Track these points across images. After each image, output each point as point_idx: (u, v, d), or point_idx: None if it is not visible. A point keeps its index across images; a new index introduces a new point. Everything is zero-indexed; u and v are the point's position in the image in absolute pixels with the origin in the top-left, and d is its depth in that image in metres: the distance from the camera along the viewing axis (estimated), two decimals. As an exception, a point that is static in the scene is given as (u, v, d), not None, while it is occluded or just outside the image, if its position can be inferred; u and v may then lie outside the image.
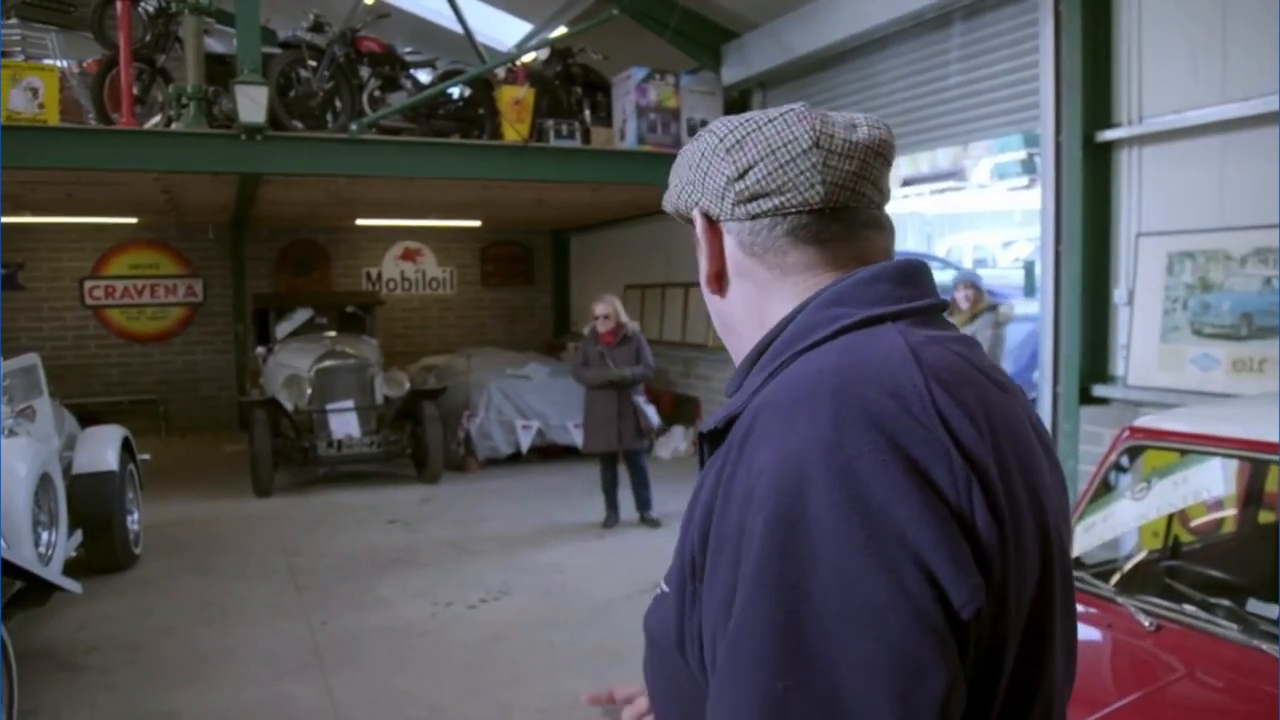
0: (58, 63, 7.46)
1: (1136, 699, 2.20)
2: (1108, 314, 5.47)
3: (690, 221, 1.05)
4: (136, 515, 6.41)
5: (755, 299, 1.01)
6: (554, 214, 12.01)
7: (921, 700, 0.74)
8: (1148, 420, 2.99)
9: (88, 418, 6.86)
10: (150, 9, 7.03)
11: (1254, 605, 2.43)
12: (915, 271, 0.98)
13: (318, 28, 7.30)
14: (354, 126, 7.09)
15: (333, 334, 9.94)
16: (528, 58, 8.57)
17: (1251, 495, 3.23)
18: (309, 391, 8.68)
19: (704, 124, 6.97)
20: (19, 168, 6.34)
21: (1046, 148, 5.67)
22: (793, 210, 0.96)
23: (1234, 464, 3.00)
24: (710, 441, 0.96)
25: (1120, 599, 2.58)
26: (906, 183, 12.22)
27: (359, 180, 8.06)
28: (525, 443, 9.50)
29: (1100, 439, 5.18)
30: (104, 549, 5.94)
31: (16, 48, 7.55)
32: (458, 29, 7.78)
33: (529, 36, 9.80)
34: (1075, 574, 1.23)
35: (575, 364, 7.26)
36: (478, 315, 13.91)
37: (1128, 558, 3.08)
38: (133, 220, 11.57)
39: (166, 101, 6.86)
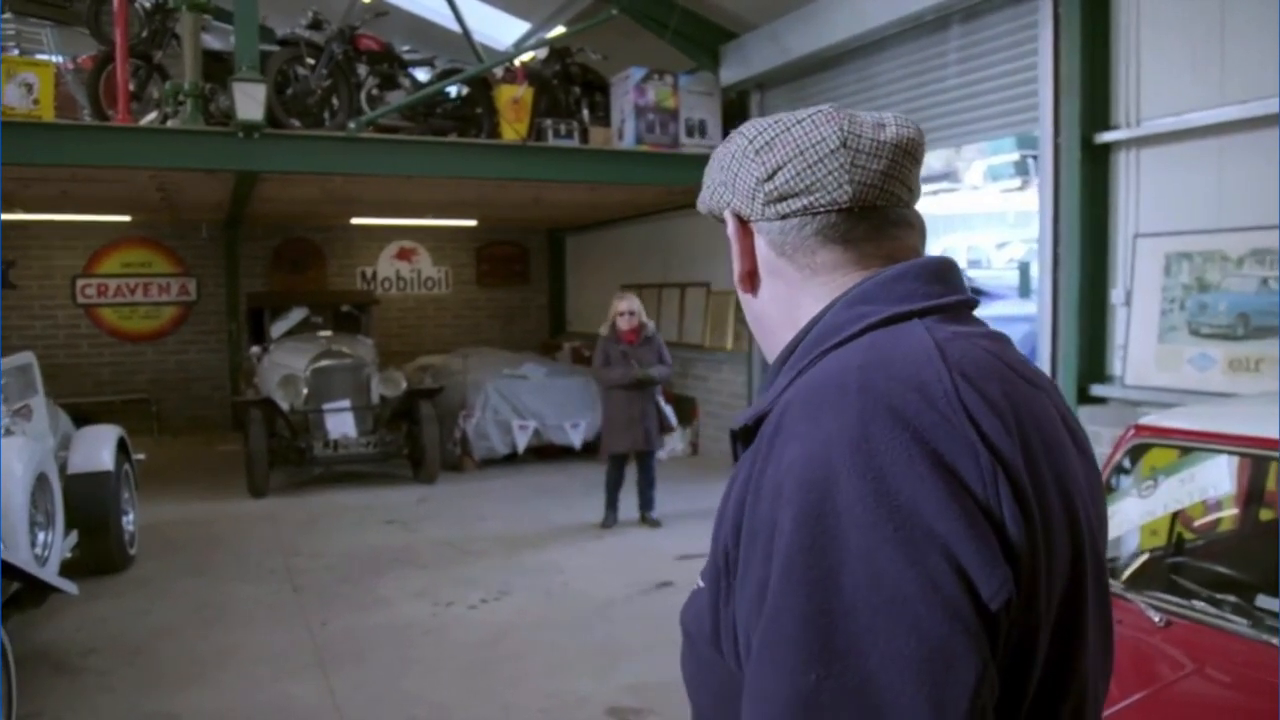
0: (53, 58, 7.44)
1: (1149, 694, 2.22)
2: (1105, 314, 5.50)
3: (723, 221, 1.07)
4: (132, 516, 6.38)
5: (786, 298, 1.02)
6: (550, 213, 12.00)
7: (953, 691, 0.74)
8: (1153, 418, 3.01)
9: (80, 417, 6.81)
10: (147, 5, 7.02)
11: (1262, 600, 2.45)
12: (944, 268, 0.99)
13: (316, 25, 7.29)
14: (352, 125, 7.08)
15: (328, 333, 9.91)
16: (526, 57, 8.56)
17: (1254, 492, 3.25)
18: (305, 391, 8.66)
19: (702, 124, 6.95)
20: (14, 164, 6.30)
21: (1045, 149, 5.69)
22: (821, 210, 0.97)
23: (1237, 461, 3.02)
24: (742, 439, 0.97)
25: (1129, 595, 2.59)
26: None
27: (356, 179, 8.04)
28: (522, 443, 9.49)
29: (1099, 438, 5.19)
30: (100, 550, 5.89)
31: (11, 43, 7.51)
32: (456, 28, 7.78)
33: (527, 36, 9.80)
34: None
35: (596, 363, 7.12)
36: (473, 315, 13.89)
37: (1133, 555, 3.09)
38: (126, 218, 11.51)
39: (163, 98, 6.84)
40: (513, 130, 7.80)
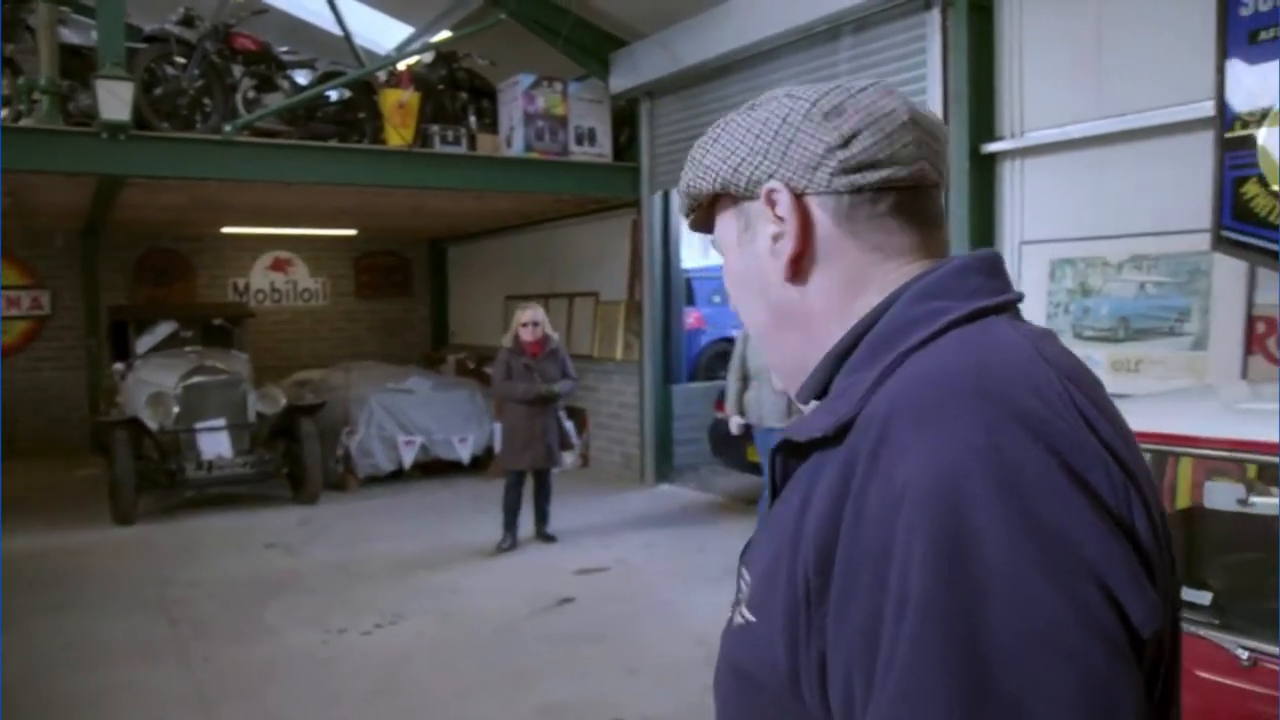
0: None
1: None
2: (994, 319, 5.66)
3: (737, 200, 0.94)
4: (-17, 548, 5.85)
5: (845, 284, 0.90)
6: (432, 223, 11.73)
7: None
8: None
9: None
10: (-3, -5, 6.49)
11: (1187, 593, 2.50)
12: (999, 264, 0.91)
13: (188, 22, 6.88)
14: (227, 128, 6.71)
15: (199, 348, 9.37)
16: (410, 61, 8.32)
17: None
18: (176, 410, 8.15)
19: (591, 132, 6.83)
20: None
21: (935, 159, 5.84)
22: (900, 184, 0.88)
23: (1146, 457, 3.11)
24: (792, 453, 0.85)
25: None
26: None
27: (229, 185, 7.64)
28: (408, 459, 9.18)
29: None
30: (-54, 587, 5.38)
31: None
32: (336, 30, 7.48)
33: (410, 39, 9.53)
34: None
35: (497, 377, 6.76)
36: (352, 327, 13.43)
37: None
38: (-33, 226, 10.64)
39: (15, 95, 6.33)
40: (398, 136, 7.56)
